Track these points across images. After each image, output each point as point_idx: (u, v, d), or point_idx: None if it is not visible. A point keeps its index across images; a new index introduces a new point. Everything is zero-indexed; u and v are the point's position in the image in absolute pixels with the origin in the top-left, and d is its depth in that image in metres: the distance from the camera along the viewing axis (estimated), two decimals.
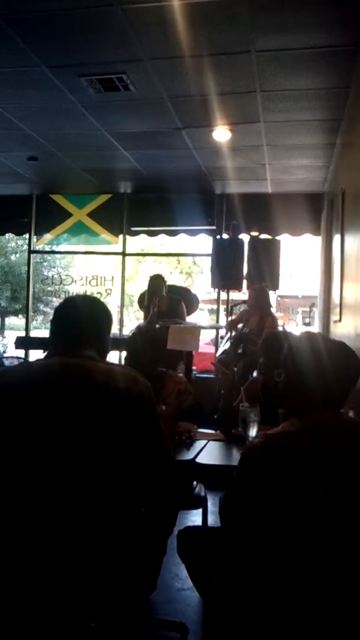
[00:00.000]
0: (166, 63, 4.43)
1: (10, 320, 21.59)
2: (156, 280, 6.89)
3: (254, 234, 8.22)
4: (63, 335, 2.03)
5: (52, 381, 1.84)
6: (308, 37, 4.01)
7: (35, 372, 1.92)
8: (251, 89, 4.84)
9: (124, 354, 7.71)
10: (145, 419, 1.91)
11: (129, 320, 8.55)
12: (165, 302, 6.63)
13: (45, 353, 2.02)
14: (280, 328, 6.62)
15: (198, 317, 9.27)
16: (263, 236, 8.20)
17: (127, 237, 8.87)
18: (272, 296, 7.42)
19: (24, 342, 8.06)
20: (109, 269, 10.51)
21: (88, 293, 9.09)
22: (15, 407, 1.81)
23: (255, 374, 6.11)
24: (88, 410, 1.82)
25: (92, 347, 1.98)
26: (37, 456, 1.78)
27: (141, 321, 7.52)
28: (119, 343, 4.94)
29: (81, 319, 2.02)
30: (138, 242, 10.39)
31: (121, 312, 8.98)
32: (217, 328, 8.34)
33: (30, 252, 9.26)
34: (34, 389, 1.83)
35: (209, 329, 8.93)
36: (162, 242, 14.38)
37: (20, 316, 19.99)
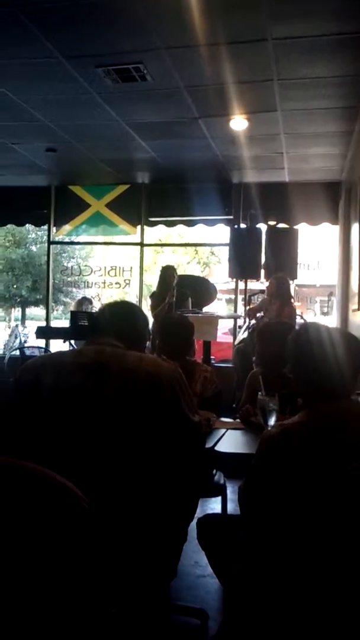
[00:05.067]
0: (183, 52, 4.42)
1: (30, 311, 21.69)
2: (168, 271, 6.94)
3: (272, 223, 8.17)
4: (94, 328, 2.26)
5: (90, 363, 2.01)
6: (325, 24, 3.97)
7: (76, 356, 2.13)
8: (268, 77, 4.80)
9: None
10: (173, 404, 2.02)
11: (147, 310, 8.54)
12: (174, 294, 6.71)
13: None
14: (298, 318, 6.59)
15: (216, 307, 9.25)
16: (281, 225, 8.16)
17: (145, 227, 8.88)
18: (291, 285, 7.39)
19: (45, 332, 8.12)
20: (127, 260, 10.52)
21: (107, 283, 9.15)
22: (61, 386, 1.98)
23: None
24: (119, 391, 1.94)
25: (117, 338, 2.13)
26: (67, 436, 1.90)
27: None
28: None
29: (109, 316, 2.26)
30: (156, 232, 10.38)
31: (139, 303, 8.99)
32: (235, 317, 8.34)
33: (49, 243, 9.30)
34: (76, 369, 2.01)
35: (227, 319, 8.93)
36: (180, 232, 14.34)
37: (40, 306, 20.06)
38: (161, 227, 9.28)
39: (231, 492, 3.34)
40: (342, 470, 1.61)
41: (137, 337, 2.25)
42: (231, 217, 8.37)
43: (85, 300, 8.96)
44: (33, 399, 1.99)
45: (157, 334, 3.45)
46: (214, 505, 3.85)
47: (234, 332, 8.45)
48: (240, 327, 7.72)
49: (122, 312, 2.30)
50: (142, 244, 8.92)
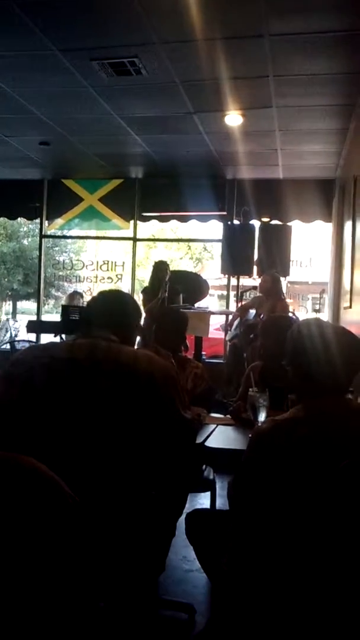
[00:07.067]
0: (178, 47, 4.40)
1: (22, 304, 21.62)
2: (162, 266, 6.93)
3: (265, 219, 8.18)
4: (86, 320, 2.25)
5: (84, 358, 2.01)
6: (322, 20, 3.97)
7: (70, 349, 2.08)
8: (264, 74, 4.80)
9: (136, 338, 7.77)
10: (167, 401, 2.03)
11: (139, 304, 8.55)
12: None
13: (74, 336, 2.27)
14: (290, 314, 6.60)
15: (208, 303, 9.24)
16: (274, 222, 8.17)
17: (138, 222, 8.87)
18: (283, 282, 7.40)
19: (36, 326, 8.11)
20: (120, 254, 10.50)
21: (99, 278, 9.13)
22: (55, 380, 1.98)
23: None
24: (113, 387, 1.94)
25: (111, 330, 2.12)
26: (59, 431, 1.89)
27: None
28: None
29: (101, 306, 2.26)
30: (149, 227, 10.37)
31: None
32: (227, 314, 8.34)
33: (41, 236, 9.26)
34: (70, 364, 2.01)
35: (219, 315, 8.92)
36: (173, 227, 14.32)
37: (32, 300, 20.00)
38: (154, 222, 9.27)
39: (220, 487, 3.34)
40: (335, 467, 1.62)
41: (129, 325, 2.26)
42: (224, 213, 8.36)
43: (77, 295, 8.94)
44: (26, 393, 1.98)
45: (150, 327, 3.44)
46: (203, 501, 3.86)
47: (225, 328, 8.45)
48: (230, 325, 7.72)
49: (113, 301, 2.30)
50: (134, 239, 8.91)
